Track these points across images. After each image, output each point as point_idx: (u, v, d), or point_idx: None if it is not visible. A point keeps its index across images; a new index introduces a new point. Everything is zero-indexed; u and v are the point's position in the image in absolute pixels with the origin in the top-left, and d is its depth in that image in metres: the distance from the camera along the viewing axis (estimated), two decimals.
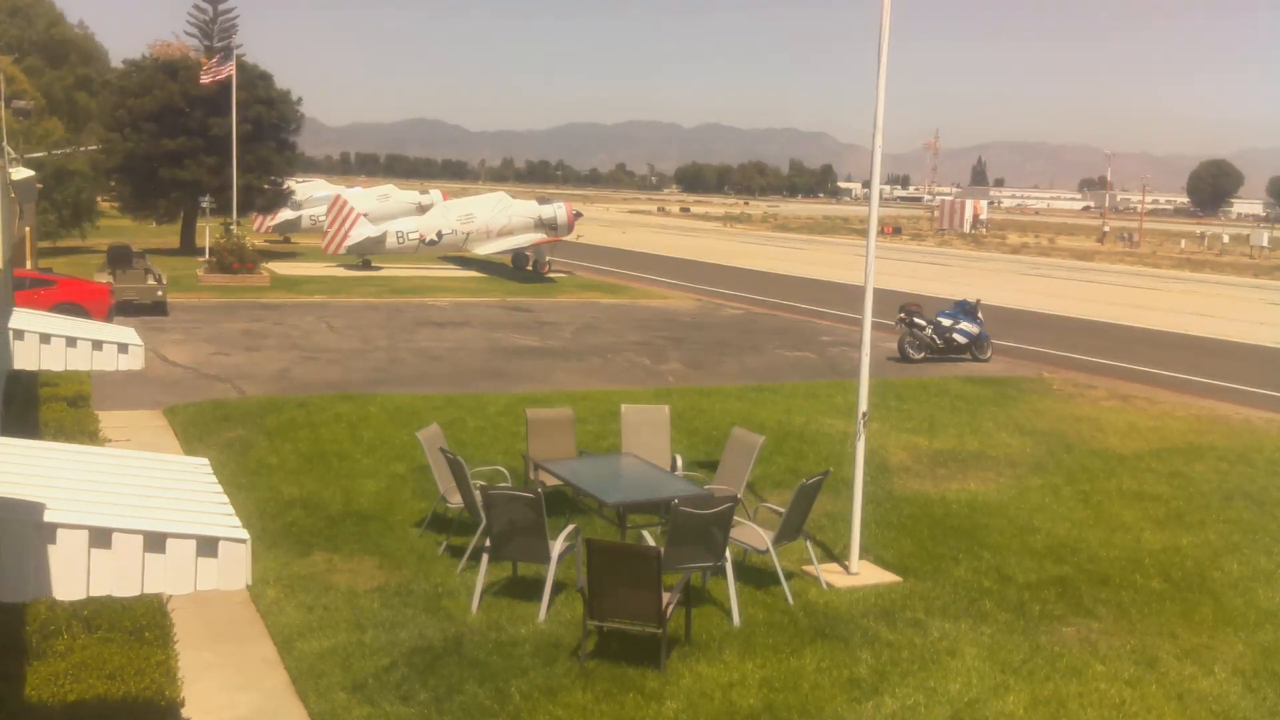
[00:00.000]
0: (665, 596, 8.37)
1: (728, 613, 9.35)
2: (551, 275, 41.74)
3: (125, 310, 25.34)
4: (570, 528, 9.79)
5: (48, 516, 4.79)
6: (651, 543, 9.82)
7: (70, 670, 6.37)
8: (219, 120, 43.16)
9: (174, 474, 6.25)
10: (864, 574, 10.66)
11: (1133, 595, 10.45)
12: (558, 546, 9.50)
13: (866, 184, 11.65)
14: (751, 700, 7.97)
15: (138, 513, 5.23)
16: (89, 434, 12.05)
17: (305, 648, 8.59)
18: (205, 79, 41.62)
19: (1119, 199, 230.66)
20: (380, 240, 41.65)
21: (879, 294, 11.50)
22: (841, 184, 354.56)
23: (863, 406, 10.78)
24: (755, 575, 10.32)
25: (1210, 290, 48.72)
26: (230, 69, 41.89)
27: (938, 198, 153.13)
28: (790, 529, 10.07)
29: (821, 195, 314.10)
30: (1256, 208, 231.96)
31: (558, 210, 44.90)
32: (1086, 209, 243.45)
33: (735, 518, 9.58)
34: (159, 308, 27.25)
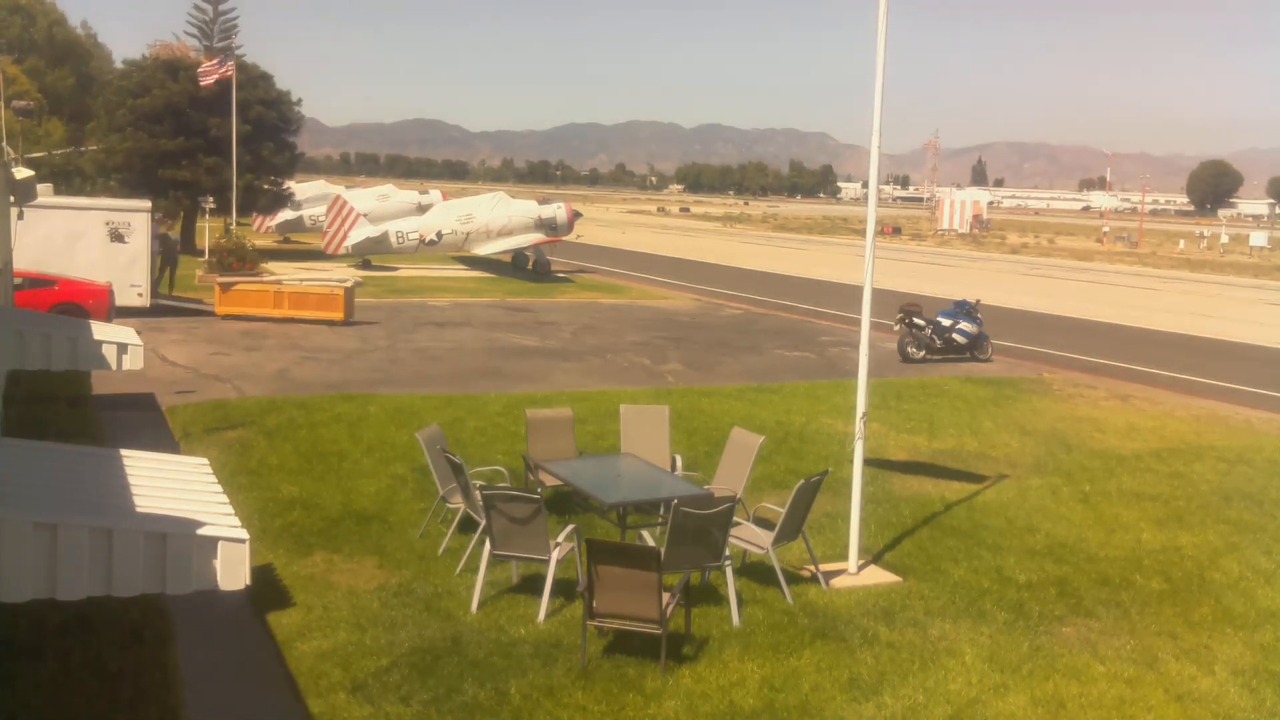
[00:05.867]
0: (665, 597, 8.37)
1: (728, 613, 9.35)
2: (564, 275, 41.92)
3: (124, 311, 25.32)
4: (570, 528, 9.79)
5: (48, 516, 4.79)
6: (651, 543, 9.83)
7: (70, 670, 6.37)
8: (219, 120, 43.15)
9: (174, 474, 6.25)
10: (864, 574, 10.66)
11: (1133, 595, 10.45)
12: (558, 547, 9.50)
13: (865, 184, 11.66)
14: (751, 700, 7.97)
15: (138, 513, 5.23)
16: (89, 434, 12.05)
17: (305, 648, 8.58)
18: (205, 81, 41.60)
19: (1120, 199, 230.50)
20: (380, 240, 41.67)
21: (878, 294, 11.50)
22: (841, 184, 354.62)
23: (862, 407, 10.78)
24: (755, 575, 10.31)
25: (1210, 290, 48.73)
26: (230, 69, 41.90)
27: (936, 196, 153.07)
28: (790, 529, 10.07)
29: (822, 195, 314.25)
30: (1261, 208, 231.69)
31: (557, 210, 44.91)
32: (1086, 209, 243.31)
33: (735, 518, 9.58)
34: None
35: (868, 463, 11.74)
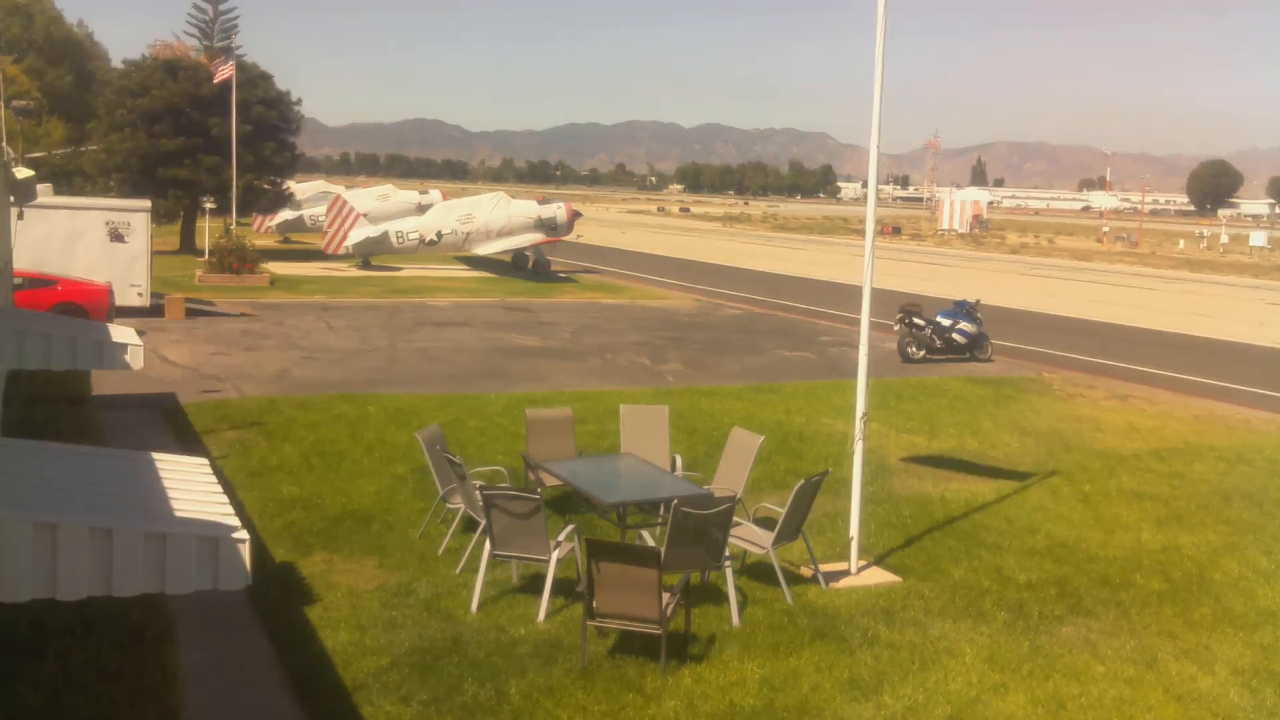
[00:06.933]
0: (665, 597, 8.37)
1: (728, 613, 9.35)
2: (564, 275, 41.97)
3: (124, 311, 25.33)
4: (570, 528, 9.79)
5: (48, 516, 4.79)
6: (651, 543, 9.83)
7: (69, 671, 6.36)
8: (219, 120, 43.15)
9: (174, 474, 6.25)
10: (864, 574, 10.66)
11: (1133, 595, 10.45)
12: (558, 546, 9.50)
13: (865, 184, 11.67)
14: (751, 700, 7.97)
15: (138, 513, 5.23)
16: (89, 434, 12.03)
17: (305, 648, 8.59)
18: (218, 80, 41.73)
19: (1120, 199, 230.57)
20: (380, 240, 41.66)
21: (878, 294, 11.51)
22: (840, 184, 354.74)
23: (862, 408, 10.77)
24: (755, 575, 10.31)
25: (1210, 290, 48.73)
26: (231, 69, 41.94)
27: (936, 196, 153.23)
28: (790, 529, 10.07)
29: (821, 195, 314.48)
30: (1261, 208, 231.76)
31: (557, 210, 44.90)
32: (1086, 209, 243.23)
33: (735, 518, 9.58)
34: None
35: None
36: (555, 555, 9.41)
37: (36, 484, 5.60)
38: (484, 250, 43.21)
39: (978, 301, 25.75)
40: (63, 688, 6.15)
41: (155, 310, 26.83)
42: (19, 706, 5.92)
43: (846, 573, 10.62)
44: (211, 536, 5.02)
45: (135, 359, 11.07)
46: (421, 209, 48.21)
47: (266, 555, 10.39)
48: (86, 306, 21.67)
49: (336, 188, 58.90)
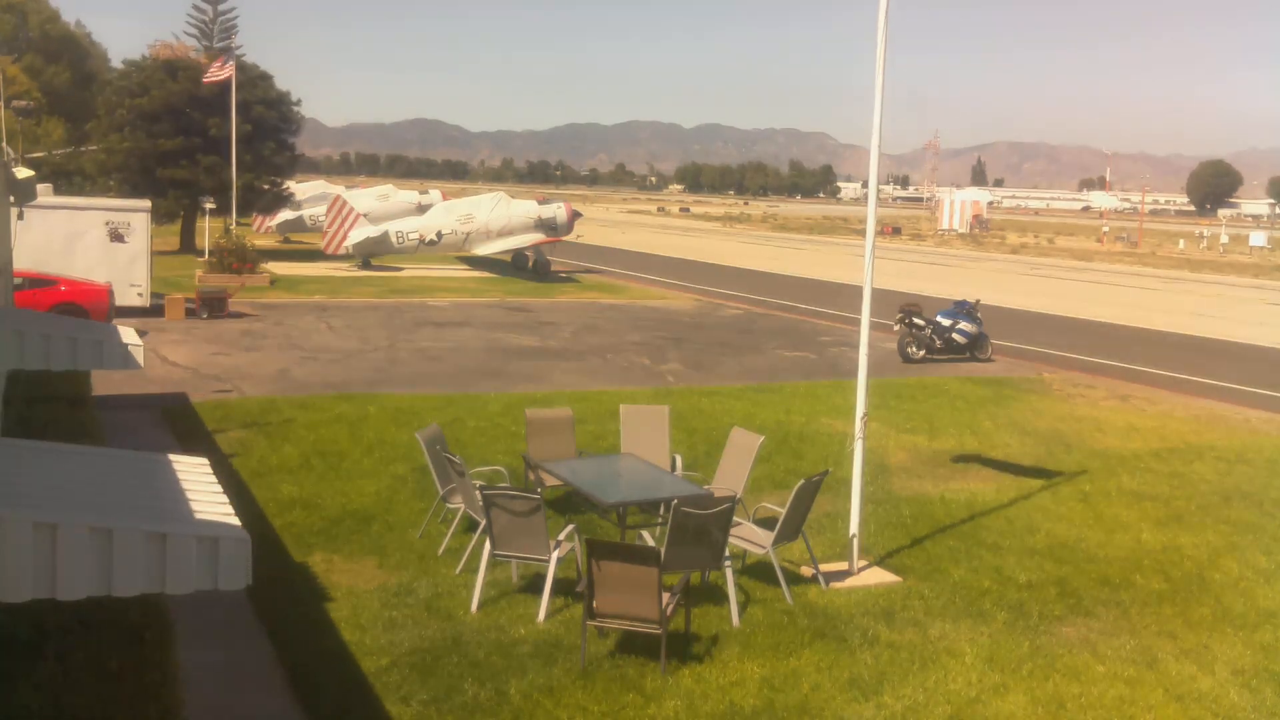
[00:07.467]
0: (665, 597, 8.37)
1: (728, 613, 9.35)
2: (564, 275, 41.95)
3: (124, 311, 25.32)
4: (570, 528, 9.80)
5: (48, 516, 4.79)
6: (651, 543, 9.83)
7: (69, 671, 6.36)
8: (219, 120, 43.17)
9: (174, 474, 6.25)
10: (864, 574, 10.66)
11: (1133, 595, 10.45)
12: (558, 546, 9.50)
13: (865, 184, 11.67)
14: (751, 700, 7.97)
15: (138, 513, 5.23)
16: (89, 434, 12.03)
17: (306, 648, 8.59)
18: (208, 80, 41.76)
19: (1120, 199, 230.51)
20: (380, 240, 41.66)
21: (878, 294, 11.50)
22: (840, 184, 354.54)
23: (862, 408, 10.77)
24: (755, 575, 10.32)
25: (1210, 290, 48.73)
26: (230, 69, 41.95)
27: (936, 196, 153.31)
28: (790, 529, 10.07)
29: (821, 195, 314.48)
30: (1261, 208, 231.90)
31: (557, 210, 44.90)
32: (1086, 209, 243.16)
33: (735, 518, 9.58)
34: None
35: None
36: (555, 555, 9.41)
37: (36, 484, 5.60)
38: (484, 250, 43.21)
39: (977, 301, 25.75)
40: (63, 688, 6.14)
41: (155, 310, 26.82)
42: (19, 706, 5.91)
43: (847, 573, 10.62)
44: (211, 536, 5.02)
45: (136, 359, 11.06)
46: (421, 209, 48.22)
47: (266, 555, 10.38)
48: (87, 306, 21.68)
49: (336, 188, 58.90)
